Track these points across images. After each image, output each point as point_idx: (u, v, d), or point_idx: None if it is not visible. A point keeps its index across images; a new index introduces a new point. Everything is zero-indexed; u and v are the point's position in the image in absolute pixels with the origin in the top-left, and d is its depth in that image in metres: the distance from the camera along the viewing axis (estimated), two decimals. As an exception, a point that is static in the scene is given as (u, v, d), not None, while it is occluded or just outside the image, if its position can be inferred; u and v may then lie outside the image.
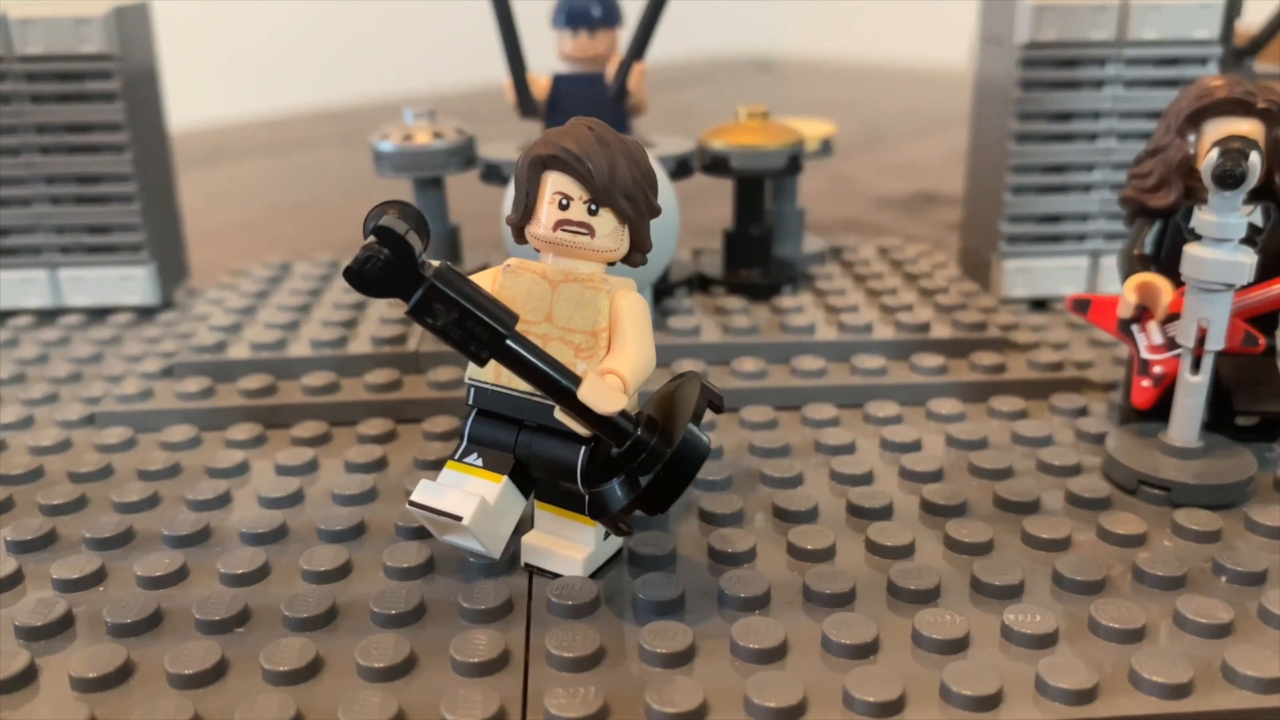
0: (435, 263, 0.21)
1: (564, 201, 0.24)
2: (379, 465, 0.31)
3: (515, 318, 0.22)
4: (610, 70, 0.40)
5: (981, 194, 0.44)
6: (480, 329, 0.21)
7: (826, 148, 0.43)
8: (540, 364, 0.22)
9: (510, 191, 0.36)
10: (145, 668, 0.22)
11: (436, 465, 0.30)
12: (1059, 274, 0.42)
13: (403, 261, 0.21)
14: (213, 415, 0.33)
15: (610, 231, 0.24)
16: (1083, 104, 0.41)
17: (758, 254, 0.40)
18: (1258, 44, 0.46)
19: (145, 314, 0.43)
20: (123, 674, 0.22)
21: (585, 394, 0.22)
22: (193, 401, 0.33)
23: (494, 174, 0.39)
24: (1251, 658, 0.22)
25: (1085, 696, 0.21)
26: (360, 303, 0.39)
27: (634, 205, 0.24)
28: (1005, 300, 0.42)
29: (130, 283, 0.43)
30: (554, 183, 0.24)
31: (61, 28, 0.40)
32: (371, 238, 0.21)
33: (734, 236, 0.40)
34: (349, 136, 1.02)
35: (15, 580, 0.25)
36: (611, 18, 0.41)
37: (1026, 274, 0.43)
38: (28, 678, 0.22)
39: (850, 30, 2.09)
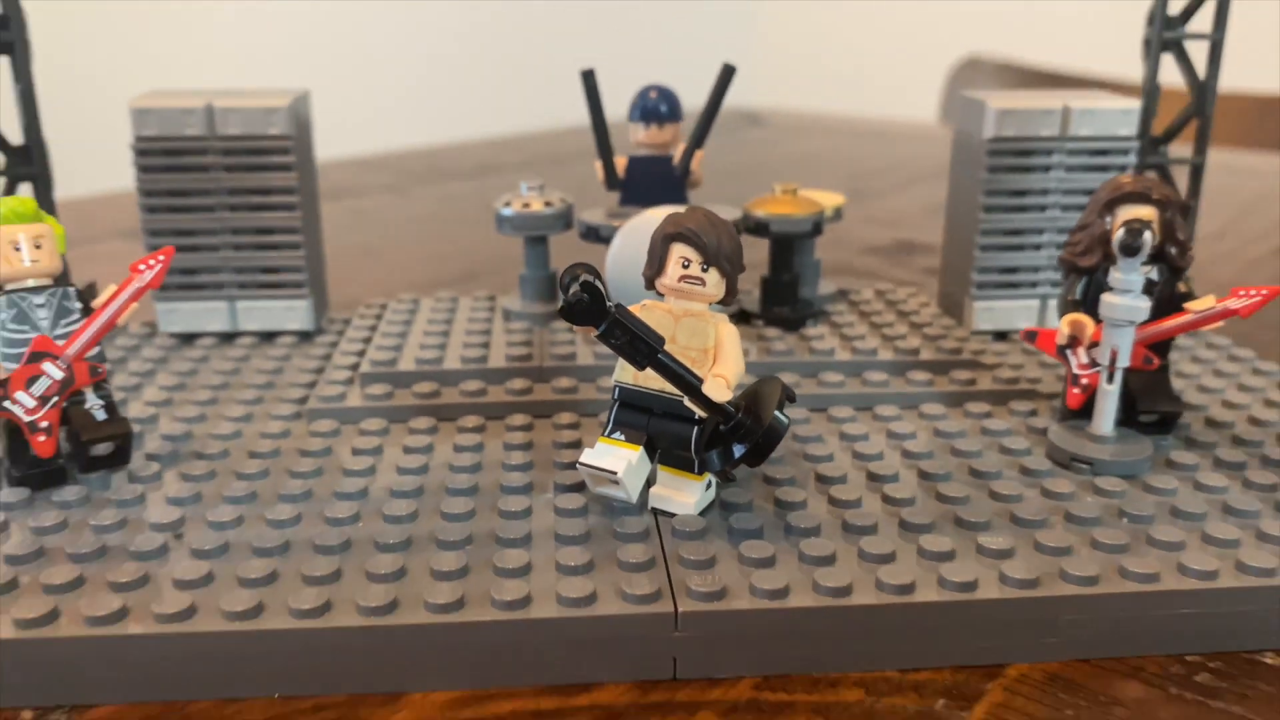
0: (613, 304, 0.33)
1: (686, 262, 0.35)
2: (528, 446, 0.42)
3: (663, 339, 0.33)
4: (676, 154, 0.52)
5: (957, 250, 0.56)
6: (644, 346, 0.33)
7: (838, 214, 0.54)
8: (678, 369, 0.34)
9: (613, 253, 0.47)
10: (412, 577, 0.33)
11: (570, 446, 0.42)
12: (1016, 312, 0.54)
13: (597, 303, 0.32)
14: (395, 411, 0.44)
15: (715, 282, 0.35)
16: (1034, 184, 0.53)
17: (788, 295, 0.52)
18: (1170, 134, 0.59)
19: (304, 337, 0.54)
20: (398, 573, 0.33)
21: (707, 389, 0.34)
22: (379, 401, 0.45)
23: (593, 234, 0.50)
24: (1140, 563, 0.33)
25: (1030, 584, 0.33)
26: (488, 329, 0.51)
27: (731, 265, 0.35)
28: (975, 332, 0.54)
29: (293, 312, 0.54)
30: (679, 250, 0.35)
31: (254, 115, 0.51)
32: (576, 286, 0.32)
33: (769, 282, 0.52)
34: (393, 185, 1.13)
35: (296, 520, 0.36)
36: (676, 114, 0.52)
37: (991, 312, 0.54)
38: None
39: (832, 87, 2.22)
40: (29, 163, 0.53)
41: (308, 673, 0.31)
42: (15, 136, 0.53)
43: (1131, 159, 0.53)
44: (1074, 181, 0.53)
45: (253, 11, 1.60)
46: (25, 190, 0.53)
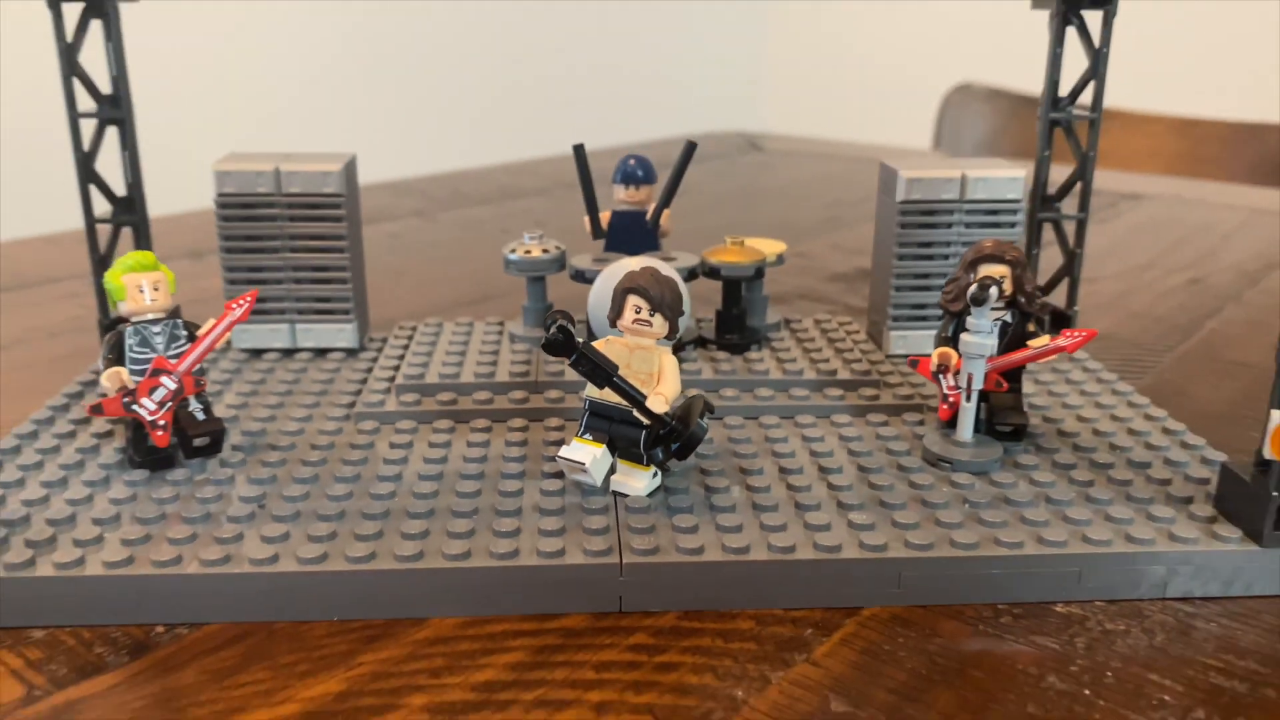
0: (580, 341, 0.45)
1: (638, 309, 0.47)
2: (523, 444, 0.54)
3: (616, 367, 0.45)
4: (650, 210, 0.64)
5: (879, 288, 0.68)
6: (602, 372, 0.45)
7: (780, 259, 0.66)
8: (627, 389, 0.45)
9: (594, 290, 0.59)
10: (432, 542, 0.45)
11: (555, 443, 0.53)
12: (925, 340, 0.66)
13: (569, 341, 0.44)
14: (423, 414, 0.56)
15: (660, 324, 0.47)
16: (939, 237, 0.64)
17: (737, 325, 0.63)
18: (1061, 193, 0.70)
19: (350, 354, 0.66)
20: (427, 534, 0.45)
21: (649, 403, 0.46)
22: (410, 407, 0.57)
23: (580, 276, 0.62)
24: (966, 535, 0.45)
25: (881, 549, 0.44)
26: (496, 349, 0.63)
27: (672, 312, 0.47)
28: (890, 356, 0.66)
29: (341, 333, 0.66)
30: (633, 300, 0.47)
31: (312, 177, 0.63)
32: (554, 329, 0.44)
33: (722, 314, 0.64)
34: (421, 210, 1.26)
35: (348, 495, 0.48)
36: (650, 178, 0.64)
37: (905, 339, 0.66)
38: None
39: (836, 112, 2.33)
40: (131, 212, 0.66)
41: (358, 602, 0.43)
42: (118, 188, 0.65)
43: (1019, 217, 0.64)
44: (971, 235, 0.64)
45: (294, 48, 1.72)
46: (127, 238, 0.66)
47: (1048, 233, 0.71)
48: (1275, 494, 0.45)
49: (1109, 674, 0.41)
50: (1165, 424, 0.57)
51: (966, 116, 1.94)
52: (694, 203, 1.29)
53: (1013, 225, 0.65)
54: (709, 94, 2.36)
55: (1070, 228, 0.69)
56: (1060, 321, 0.70)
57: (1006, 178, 0.64)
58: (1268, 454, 0.44)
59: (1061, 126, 0.68)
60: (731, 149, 1.76)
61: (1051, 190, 0.69)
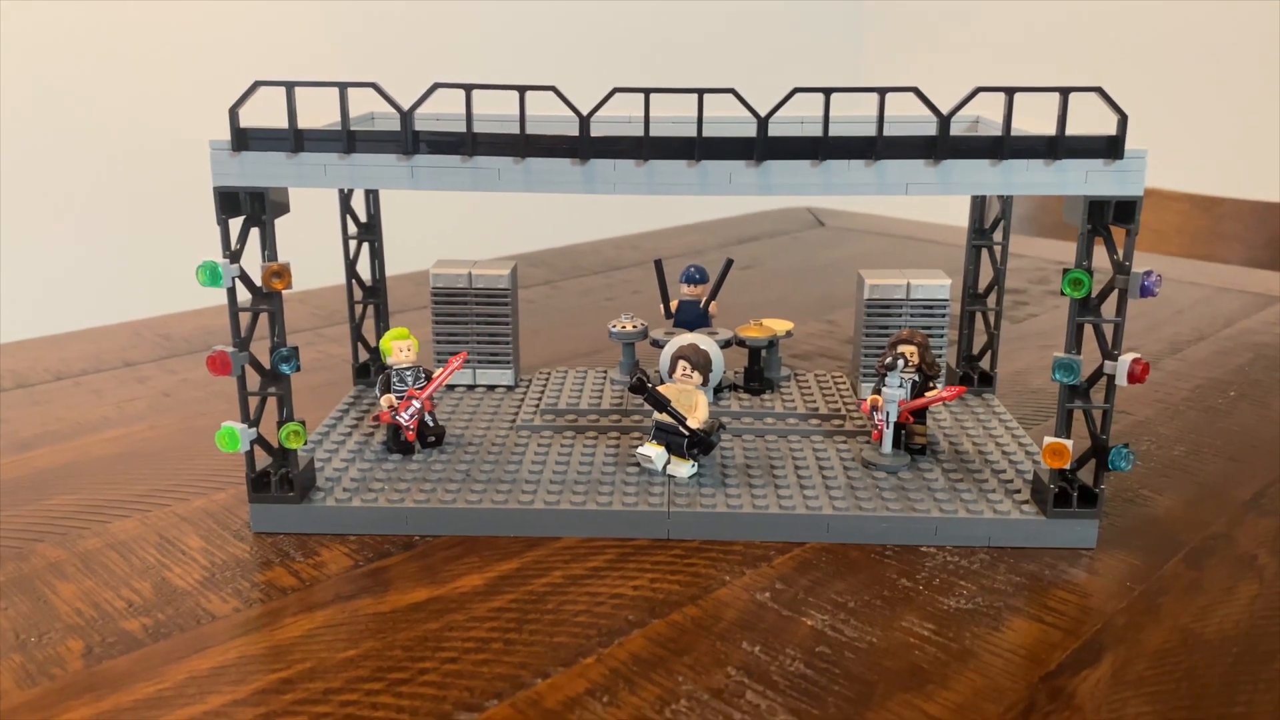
0: (650, 385, 0.77)
1: (685, 369, 0.80)
2: (618, 446, 0.86)
3: (669, 401, 0.78)
4: (703, 301, 0.96)
5: (856, 354, 0.99)
6: (660, 404, 0.77)
7: (789, 334, 0.98)
8: (676, 414, 0.78)
9: (664, 352, 0.92)
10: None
11: (635, 445, 0.86)
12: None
13: (643, 387, 0.77)
14: (557, 427, 0.89)
15: (697, 378, 0.80)
16: (891, 322, 0.95)
17: (757, 377, 0.95)
18: (986, 291, 1.00)
19: (509, 388, 1.00)
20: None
21: (689, 423, 0.78)
22: (549, 423, 0.90)
23: (656, 344, 0.95)
24: (870, 505, 0.76)
25: (818, 509, 0.75)
26: (602, 387, 0.96)
27: (704, 371, 0.80)
28: (860, 398, 0.97)
29: (504, 374, 1.00)
30: (682, 363, 0.80)
31: (491, 278, 0.97)
32: (634, 380, 0.77)
33: (748, 369, 0.95)
34: (548, 279, 1.60)
35: (515, 472, 0.82)
36: (704, 279, 0.97)
37: (870, 388, 0.97)
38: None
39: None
40: (376, 296, 1.01)
41: (524, 526, 0.76)
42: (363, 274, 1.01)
43: (947, 309, 0.95)
44: (914, 323, 0.95)
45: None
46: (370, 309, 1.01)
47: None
48: (1051, 486, 0.75)
49: (937, 580, 0.71)
50: (1029, 448, 0.87)
51: (1005, 196, 2.20)
52: (755, 275, 1.61)
53: (943, 315, 0.95)
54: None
55: (991, 315, 0.99)
56: (985, 380, 1.00)
57: (938, 284, 0.94)
58: (1044, 463, 0.74)
59: (983, 248, 0.98)
60: (800, 224, 2.06)
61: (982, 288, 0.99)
